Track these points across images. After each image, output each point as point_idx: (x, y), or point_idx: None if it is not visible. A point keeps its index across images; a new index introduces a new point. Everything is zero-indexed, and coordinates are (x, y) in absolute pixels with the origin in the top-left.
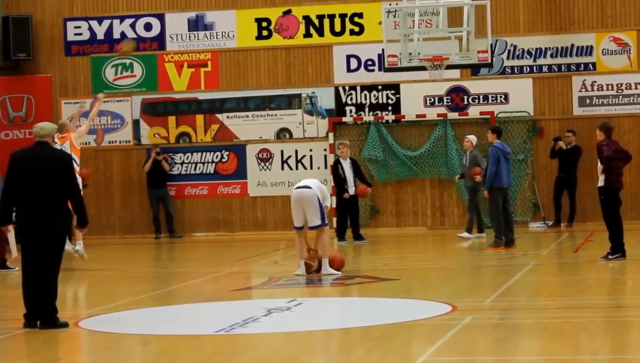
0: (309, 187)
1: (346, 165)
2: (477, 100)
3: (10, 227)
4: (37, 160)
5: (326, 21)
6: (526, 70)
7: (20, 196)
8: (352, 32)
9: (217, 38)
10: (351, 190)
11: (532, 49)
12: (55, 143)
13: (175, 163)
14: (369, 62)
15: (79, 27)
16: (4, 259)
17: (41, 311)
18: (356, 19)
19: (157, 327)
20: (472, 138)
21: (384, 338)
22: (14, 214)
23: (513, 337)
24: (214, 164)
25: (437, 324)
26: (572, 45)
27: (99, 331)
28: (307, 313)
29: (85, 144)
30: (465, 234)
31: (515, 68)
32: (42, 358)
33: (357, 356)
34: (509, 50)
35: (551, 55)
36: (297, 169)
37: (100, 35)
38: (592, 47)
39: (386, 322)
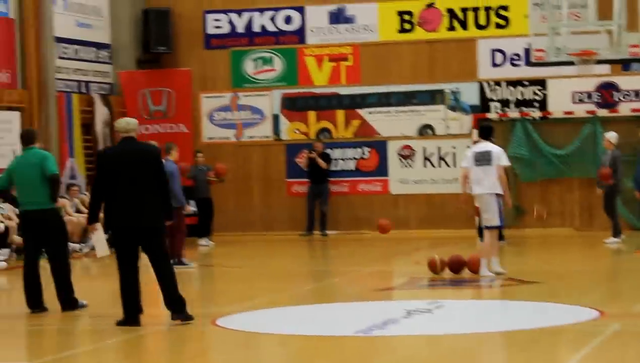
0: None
1: None
2: (628, 97)
3: (98, 226)
4: (129, 156)
5: (470, 14)
6: None
7: (115, 194)
8: (497, 26)
9: (358, 31)
10: None
11: None
12: None
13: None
14: (515, 57)
15: (219, 20)
16: (180, 255)
17: (170, 301)
18: (502, 12)
19: (295, 326)
20: (612, 136)
21: (528, 343)
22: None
23: None
24: (354, 161)
25: (583, 330)
26: None
27: (236, 329)
28: (448, 315)
29: (225, 138)
30: (612, 239)
31: None
32: (178, 355)
33: (500, 362)
34: None
35: None
36: (439, 166)
37: (240, 29)
38: None
39: (530, 327)
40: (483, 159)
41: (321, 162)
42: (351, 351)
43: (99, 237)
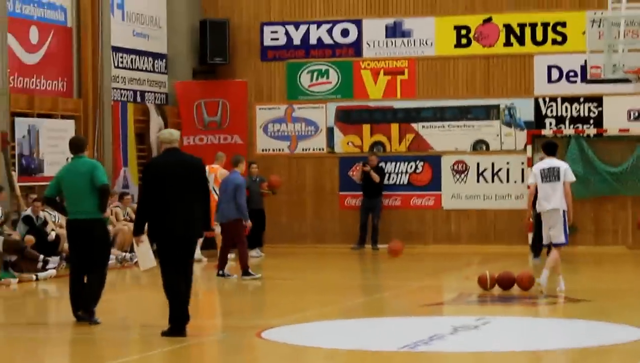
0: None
1: None
2: None
3: (144, 237)
4: (173, 166)
5: (527, 30)
6: None
7: (159, 204)
8: (554, 42)
9: (414, 45)
10: None
11: None
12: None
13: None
14: (571, 73)
15: (276, 32)
16: (246, 267)
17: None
18: (559, 28)
19: (341, 340)
20: None
21: (575, 362)
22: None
23: None
24: (407, 175)
25: (631, 350)
26: None
27: (281, 342)
28: (495, 332)
29: (279, 150)
30: None
31: None
32: None
33: None
34: None
35: None
36: (492, 182)
37: (296, 41)
38: None
39: (577, 346)
40: (551, 175)
41: (375, 176)
42: None
43: (144, 249)
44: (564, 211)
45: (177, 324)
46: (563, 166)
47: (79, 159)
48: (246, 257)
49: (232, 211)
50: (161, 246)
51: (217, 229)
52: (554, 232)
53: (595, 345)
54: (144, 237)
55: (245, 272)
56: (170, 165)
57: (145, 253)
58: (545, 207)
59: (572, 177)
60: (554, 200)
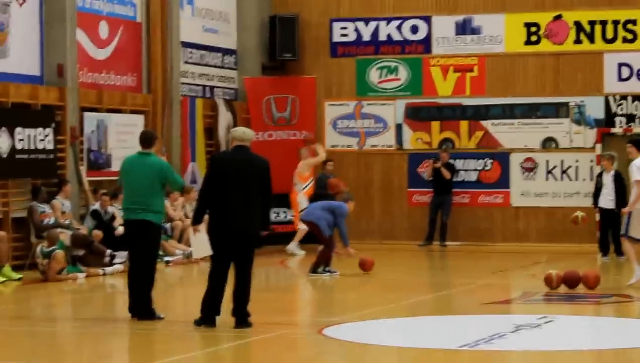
0: None
1: (607, 178)
2: None
3: (201, 227)
4: (239, 163)
5: (598, 27)
6: None
7: (223, 198)
8: (624, 40)
9: (484, 42)
10: (608, 205)
11: None
12: None
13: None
14: None
15: (345, 28)
16: (317, 266)
17: (237, 311)
18: (629, 26)
19: (401, 338)
20: None
21: None
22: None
23: None
24: (476, 172)
25: None
26: None
27: (340, 339)
28: (557, 331)
29: (347, 146)
30: None
31: None
32: None
33: None
34: None
35: None
36: (562, 179)
37: (366, 37)
38: None
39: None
40: None
41: (445, 173)
42: None
43: (200, 239)
44: None
45: (208, 315)
46: None
47: (147, 157)
48: (322, 259)
49: (319, 216)
50: (216, 240)
51: (302, 226)
52: None
53: None
54: (202, 227)
55: (314, 270)
56: (236, 162)
57: (201, 241)
58: None
59: None
60: None
